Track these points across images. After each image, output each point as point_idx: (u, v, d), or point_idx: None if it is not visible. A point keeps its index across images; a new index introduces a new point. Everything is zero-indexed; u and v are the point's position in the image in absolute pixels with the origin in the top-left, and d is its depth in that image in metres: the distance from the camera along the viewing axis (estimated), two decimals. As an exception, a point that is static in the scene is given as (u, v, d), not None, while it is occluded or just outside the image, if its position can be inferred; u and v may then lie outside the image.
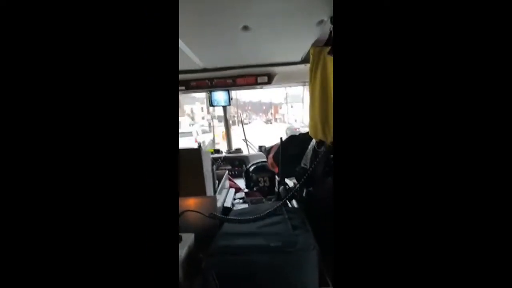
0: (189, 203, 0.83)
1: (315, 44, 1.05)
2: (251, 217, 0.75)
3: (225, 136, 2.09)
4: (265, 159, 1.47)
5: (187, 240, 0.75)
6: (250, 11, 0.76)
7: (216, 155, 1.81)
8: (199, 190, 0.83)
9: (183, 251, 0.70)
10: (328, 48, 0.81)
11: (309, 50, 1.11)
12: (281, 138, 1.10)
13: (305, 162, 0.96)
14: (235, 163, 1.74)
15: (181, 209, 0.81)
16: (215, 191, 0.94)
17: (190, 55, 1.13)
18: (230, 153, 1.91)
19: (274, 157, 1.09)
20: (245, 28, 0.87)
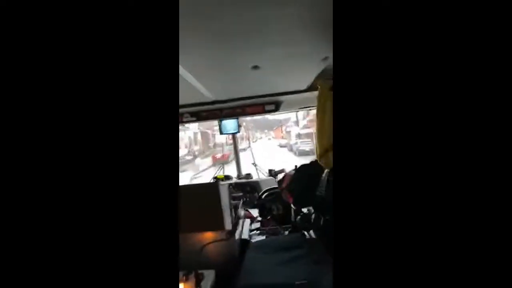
0: (208, 238, 0.83)
1: (321, 75, 1.10)
2: None
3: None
4: (276, 186, 1.48)
5: (208, 277, 0.74)
6: (260, 54, 0.82)
7: (226, 182, 1.82)
8: (218, 225, 0.84)
9: (205, 290, 0.70)
10: None
11: (314, 79, 1.16)
12: (295, 166, 1.11)
13: (321, 190, 0.97)
14: (246, 189, 1.75)
15: (200, 244, 0.82)
16: (233, 224, 0.94)
17: (201, 90, 1.19)
18: (240, 178, 1.92)
19: (288, 187, 1.10)
20: (255, 67, 0.92)
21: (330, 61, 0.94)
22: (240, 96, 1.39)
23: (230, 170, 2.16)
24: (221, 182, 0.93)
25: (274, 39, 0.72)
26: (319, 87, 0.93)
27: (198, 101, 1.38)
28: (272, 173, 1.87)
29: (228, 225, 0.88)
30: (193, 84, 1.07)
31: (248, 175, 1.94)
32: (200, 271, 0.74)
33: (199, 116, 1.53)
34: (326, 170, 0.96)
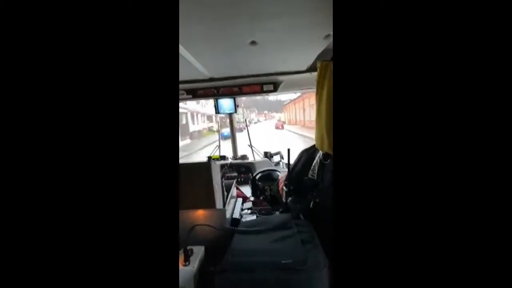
0: (199, 216, 0.84)
1: (321, 55, 1.06)
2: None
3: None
4: (271, 167, 1.48)
5: (197, 253, 0.76)
6: (258, 28, 0.77)
7: (222, 162, 1.83)
8: (209, 203, 0.85)
9: (194, 264, 0.72)
10: None
11: (315, 60, 1.12)
12: (288, 150, 1.11)
13: (313, 173, 0.97)
14: (241, 169, 1.76)
15: (191, 222, 0.83)
16: (224, 203, 0.95)
17: (197, 66, 1.14)
18: (236, 159, 1.92)
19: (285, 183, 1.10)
20: (253, 43, 0.88)
21: (331, 40, 0.90)
22: (237, 74, 1.35)
23: (226, 151, 2.15)
24: (215, 162, 0.92)
25: (272, 12, 0.68)
26: (318, 68, 0.89)
27: (193, 77, 1.34)
28: (268, 155, 1.88)
29: (219, 204, 0.89)
30: (188, 59, 1.03)
31: (244, 156, 1.95)
32: (189, 247, 0.76)
33: (195, 94, 1.49)
34: (318, 153, 0.95)
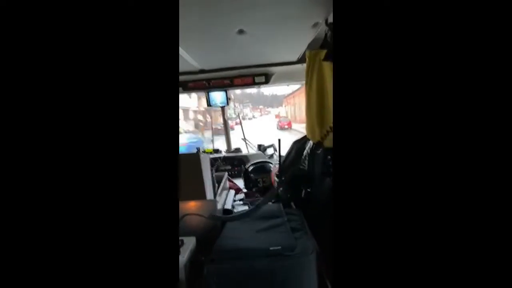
0: (190, 207, 0.84)
1: (311, 45, 1.05)
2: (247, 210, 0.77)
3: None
4: (264, 159, 1.48)
5: (188, 243, 0.76)
6: (245, 16, 0.76)
7: (215, 155, 1.82)
8: (199, 194, 0.85)
9: (185, 255, 0.72)
10: (323, 52, 0.81)
11: (305, 50, 1.11)
12: (279, 140, 1.11)
13: (303, 163, 0.98)
14: (234, 162, 1.76)
15: (181, 213, 0.83)
16: (215, 194, 0.95)
17: (187, 58, 1.13)
18: (229, 152, 1.92)
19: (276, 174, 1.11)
20: (241, 31, 0.87)
21: (320, 29, 0.89)
22: (228, 66, 1.33)
23: (220, 144, 2.15)
24: (204, 153, 0.92)
25: (259, 1, 0.67)
26: (307, 57, 0.89)
27: (183, 69, 1.32)
28: (261, 148, 1.88)
29: (210, 195, 0.89)
30: None
31: (237, 149, 1.94)
32: (180, 238, 0.76)
33: (185, 87, 1.47)
34: (309, 143, 0.95)
